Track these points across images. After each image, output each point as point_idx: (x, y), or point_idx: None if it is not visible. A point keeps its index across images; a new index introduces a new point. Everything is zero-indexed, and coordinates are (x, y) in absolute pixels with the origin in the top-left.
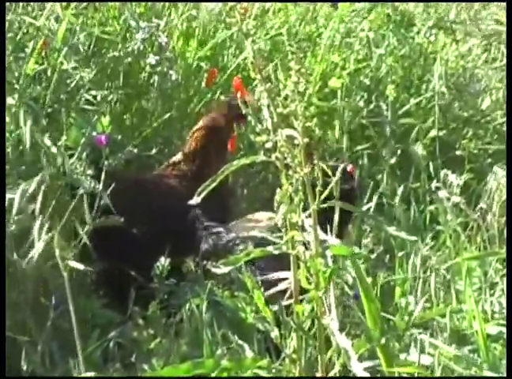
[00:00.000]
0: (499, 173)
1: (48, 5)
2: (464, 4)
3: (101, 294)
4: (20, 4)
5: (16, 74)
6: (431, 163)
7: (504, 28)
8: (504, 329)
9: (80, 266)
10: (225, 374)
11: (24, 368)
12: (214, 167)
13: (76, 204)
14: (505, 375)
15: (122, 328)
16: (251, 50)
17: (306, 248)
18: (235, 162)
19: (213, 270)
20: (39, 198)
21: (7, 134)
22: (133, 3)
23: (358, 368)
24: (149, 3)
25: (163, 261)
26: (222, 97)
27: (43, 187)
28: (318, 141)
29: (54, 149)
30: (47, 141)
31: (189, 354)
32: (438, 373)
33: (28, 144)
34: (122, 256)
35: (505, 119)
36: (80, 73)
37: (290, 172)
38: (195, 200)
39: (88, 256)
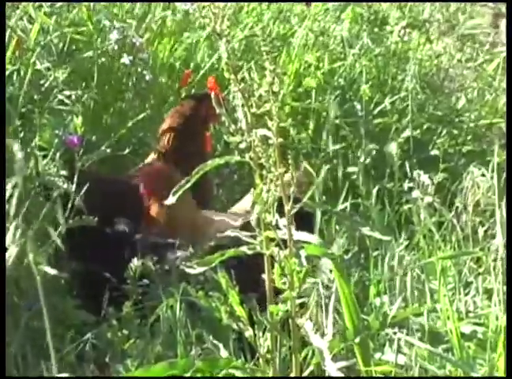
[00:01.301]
0: (475, 172)
1: (21, 5)
2: (438, 4)
3: (75, 295)
4: None
5: None
6: (406, 163)
7: (479, 31)
8: (478, 328)
9: (53, 271)
10: (199, 374)
11: None
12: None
13: (50, 206)
14: (479, 374)
15: (96, 329)
16: (225, 51)
17: (281, 248)
18: (210, 162)
19: (187, 270)
20: (13, 202)
21: None
22: (108, 3)
23: (332, 367)
24: (124, 3)
25: (136, 262)
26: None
27: (16, 191)
28: (292, 141)
29: (20, 154)
30: (16, 146)
31: (163, 354)
32: (414, 372)
33: None
34: (95, 257)
35: (478, 120)
36: (53, 73)
37: (264, 172)
38: (170, 199)
39: (62, 256)
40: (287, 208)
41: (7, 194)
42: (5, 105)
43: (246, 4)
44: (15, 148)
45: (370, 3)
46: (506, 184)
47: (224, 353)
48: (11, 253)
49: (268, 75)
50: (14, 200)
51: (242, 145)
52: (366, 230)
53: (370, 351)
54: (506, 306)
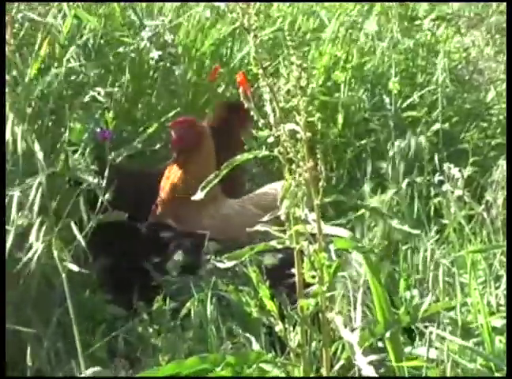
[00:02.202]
0: (504, 166)
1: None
2: None
3: (106, 290)
4: None
5: (22, 71)
6: (435, 157)
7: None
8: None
9: (76, 268)
10: (230, 370)
11: (30, 364)
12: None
13: (79, 201)
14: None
15: (127, 324)
16: (253, 45)
17: (310, 242)
18: (238, 156)
19: (217, 264)
20: (37, 200)
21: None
22: None
23: (362, 362)
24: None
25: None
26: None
27: (40, 189)
28: (320, 136)
29: (40, 154)
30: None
31: (194, 349)
32: (445, 367)
33: (19, 148)
34: (125, 251)
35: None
36: (85, 69)
37: (293, 166)
38: (198, 195)
39: (92, 251)
40: (316, 202)
41: (32, 193)
42: (5, 105)
43: None
44: (36, 147)
45: None
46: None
47: (256, 346)
48: (36, 249)
49: (295, 70)
50: (38, 199)
51: (271, 139)
52: (395, 224)
53: (401, 346)
54: (507, 307)
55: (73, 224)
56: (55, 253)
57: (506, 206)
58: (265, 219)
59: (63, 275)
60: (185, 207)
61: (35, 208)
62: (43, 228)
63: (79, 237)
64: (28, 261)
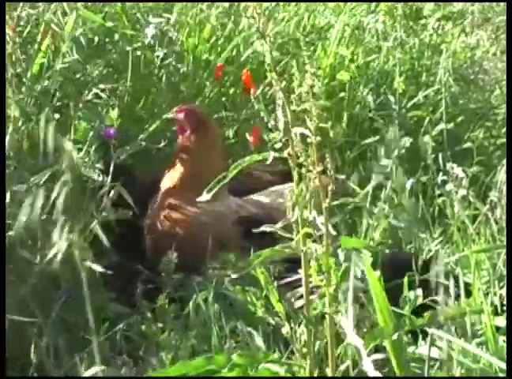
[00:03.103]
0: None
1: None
2: None
3: (109, 288)
4: None
5: (25, 68)
6: (440, 156)
7: None
8: None
9: (99, 268)
10: (237, 370)
11: (34, 361)
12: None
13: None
14: None
15: (130, 321)
16: (269, 51)
17: (318, 244)
18: (247, 158)
19: (232, 275)
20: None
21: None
22: None
23: (370, 367)
24: None
25: (171, 255)
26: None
27: (64, 189)
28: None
29: (74, 154)
30: (69, 145)
31: (197, 347)
32: (449, 366)
33: (51, 146)
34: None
35: None
36: (89, 66)
37: (303, 170)
38: (205, 196)
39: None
40: (324, 205)
41: (55, 193)
42: (5, 105)
43: None
44: (68, 147)
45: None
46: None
47: (259, 341)
48: (59, 249)
49: (309, 77)
50: (62, 198)
51: (279, 143)
52: (399, 224)
53: (403, 350)
54: (507, 306)
55: (97, 224)
56: (76, 253)
57: (506, 207)
58: (278, 226)
59: (83, 276)
60: (182, 200)
61: (59, 206)
62: (66, 227)
63: (101, 236)
64: (50, 260)
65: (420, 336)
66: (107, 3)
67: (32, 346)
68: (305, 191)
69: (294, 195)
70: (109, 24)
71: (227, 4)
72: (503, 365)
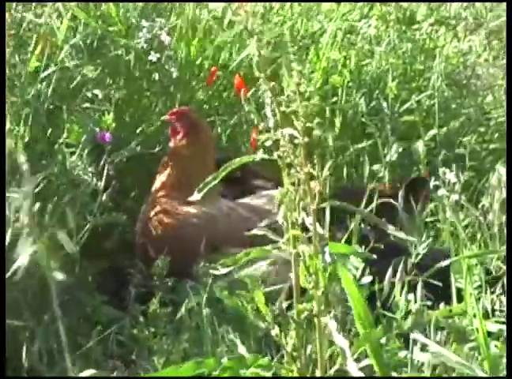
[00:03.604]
0: (501, 170)
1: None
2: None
3: (102, 291)
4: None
5: (18, 72)
6: (432, 161)
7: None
8: (504, 327)
9: (61, 276)
10: (227, 373)
11: (26, 365)
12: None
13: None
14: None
15: (122, 325)
16: (256, 49)
17: (307, 246)
18: (237, 159)
19: (213, 272)
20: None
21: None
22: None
23: (353, 368)
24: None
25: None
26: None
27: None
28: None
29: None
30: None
31: (190, 351)
32: (440, 372)
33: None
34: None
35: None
36: (82, 70)
37: (292, 171)
38: (196, 196)
39: (91, 252)
40: (313, 207)
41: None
42: (5, 105)
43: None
44: (21, 159)
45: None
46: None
47: (242, 350)
48: (22, 262)
49: (295, 76)
50: (25, 210)
51: (269, 143)
52: (392, 230)
53: (382, 355)
54: (507, 307)
55: (62, 234)
56: (42, 263)
57: (506, 207)
58: (262, 224)
59: (52, 286)
60: (173, 203)
61: (23, 217)
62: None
63: (67, 246)
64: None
65: (412, 342)
66: (102, 7)
67: (24, 349)
68: (293, 192)
69: (281, 196)
70: (103, 27)
71: (220, 8)
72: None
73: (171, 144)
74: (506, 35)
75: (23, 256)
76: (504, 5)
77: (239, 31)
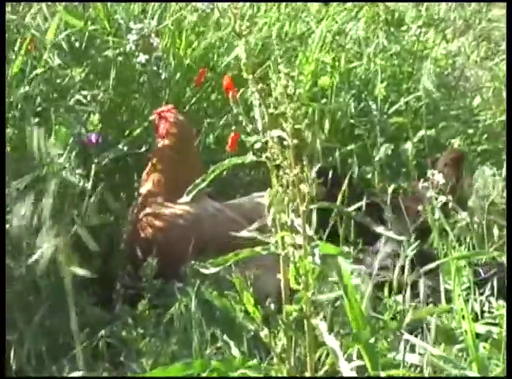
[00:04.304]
0: (486, 171)
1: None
2: (454, 4)
3: (91, 293)
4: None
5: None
6: (421, 162)
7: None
8: (493, 328)
9: (84, 272)
10: (215, 374)
11: (13, 367)
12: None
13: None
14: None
15: (111, 327)
16: (244, 51)
17: (296, 248)
18: (226, 161)
19: (201, 270)
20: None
21: None
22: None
23: (345, 368)
24: (140, 4)
25: (151, 260)
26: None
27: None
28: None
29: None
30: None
31: (178, 353)
32: (429, 373)
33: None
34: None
35: (494, 119)
36: (70, 72)
37: (280, 173)
38: (185, 198)
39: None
40: (302, 208)
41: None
42: (5, 105)
43: (263, 4)
44: (53, 152)
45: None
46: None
47: (235, 351)
48: (45, 254)
49: (282, 78)
50: (49, 203)
51: (258, 145)
52: (380, 230)
53: (376, 353)
54: (507, 307)
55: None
56: (61, 257)
57: (507, 207)
58: (253, 227)
59: (67, 280)
60: (160, 203)
61: (46, 211)
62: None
63: (89, 244)
64: (32, 264)
65: (402, 343)
66: (90, 8)
67: (12, 351)
68: (282, 194)
69: (270, 197)
70: (91, 28)
71: (208, 9)
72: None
73: (160, 144)
74: (506, 34)
75: (44, 247)
76: (494, 9)
77: (227, 32)
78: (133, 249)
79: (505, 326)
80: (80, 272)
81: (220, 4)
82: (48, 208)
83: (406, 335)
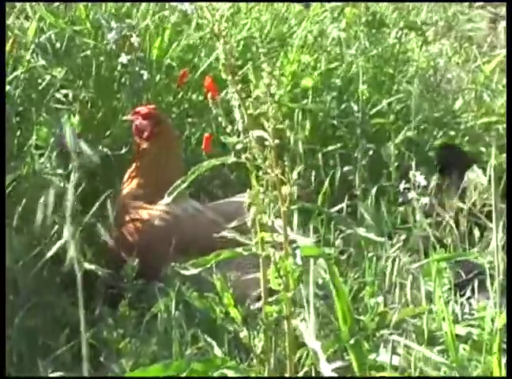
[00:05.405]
0: (470, 174)
1: (18, 4)
2: (435, 6)
3: (71, 293)
4: None
5: None
6: (402, 164)
7: (477, 33)
8: (473, 330)
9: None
10: (195, 375)
11: None
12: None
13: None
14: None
15: (91, 328)
16: (222, 52)
17: (276, 249)
18: (206, 163)
19: (182, 271)
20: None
21: None
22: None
23: (326, 368)
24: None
25: (132, 261)
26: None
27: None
28: (288, 143)
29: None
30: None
31: (159, 354)
32: (410, 374)
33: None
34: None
35: (475, 121)
36: (51, 71)
37: (260, 173)
38: (166, 200)
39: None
40: (283, 209)
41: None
42: (4, 105)
43: (243, 5)
44: (84, 147)
45: (368, 3)
46: (506, 184)
47: (217, 351)
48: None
49: (265, 77)
50: (72, 197)
51: (239, 146)
52: (361, 232)
53: (364, 354)
54: (507, 307)
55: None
56: (73, 253)
57: (506, 207)
58: (231, 226)
59: (79, 276)
60: (141, 204)
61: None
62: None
63: (105, 238)
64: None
65: (382, 344)
66: (71, 8)
67: None
68: (263, 195)
69: (250, 198)
70: (72, 28)
71: (189, 9)
72: (463, 373)
73: (136, 144)
74: (506, 34)
75: (66, 237)
76: (477, 11)
77: (207, 32)
78: (114, 250)
79: (505, 327)
80: (93, 268)
81: (199, 4)
82: (71, 200)
83: (391, 336)
